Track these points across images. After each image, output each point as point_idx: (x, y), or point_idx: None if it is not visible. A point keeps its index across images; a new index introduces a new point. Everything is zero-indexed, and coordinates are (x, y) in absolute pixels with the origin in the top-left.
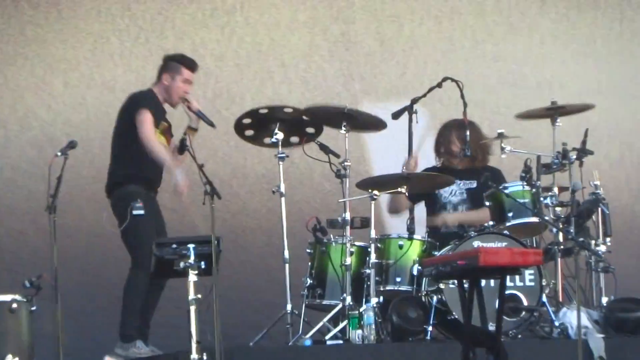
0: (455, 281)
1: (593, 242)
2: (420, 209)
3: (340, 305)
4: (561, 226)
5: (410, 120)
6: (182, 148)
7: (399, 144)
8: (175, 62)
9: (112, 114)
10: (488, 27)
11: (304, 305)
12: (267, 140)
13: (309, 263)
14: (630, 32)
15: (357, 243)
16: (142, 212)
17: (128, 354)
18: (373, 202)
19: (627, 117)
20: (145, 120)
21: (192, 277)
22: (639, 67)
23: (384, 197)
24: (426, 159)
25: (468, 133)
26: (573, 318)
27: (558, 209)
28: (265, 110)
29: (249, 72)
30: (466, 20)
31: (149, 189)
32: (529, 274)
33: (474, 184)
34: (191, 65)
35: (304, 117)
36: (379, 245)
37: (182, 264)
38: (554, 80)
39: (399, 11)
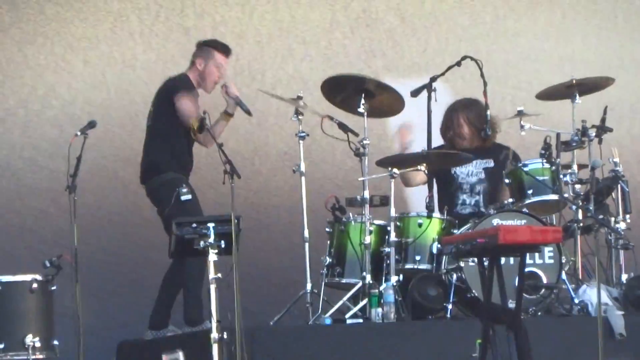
0: (475, 259)
1: (613, 219)
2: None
3: (360, 284)
4: (580, 204)
5: (430, 98)
6: (201, 127)
7: (421, 121)
8: (208, 47)
9: (133, 92)
10: (509, 2)
11: (323, 284)
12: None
13: (328, 242)
14: None
15: (376, 222)
16: (189, 196)
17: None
18: (393, 180)
19: None
20: (186, 101)
21: (212, 256)
22: None
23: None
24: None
25: (489, 113)
26: (593, 295)
27: (577, 186)
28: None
29: (270, 50)
30: None
31: (185, 174)
32: (548, 252)
33: (491, 163)
34: (224, 50)
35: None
36: (398, 223)
37: (202, 243)
38: (576, 56)
39: None
